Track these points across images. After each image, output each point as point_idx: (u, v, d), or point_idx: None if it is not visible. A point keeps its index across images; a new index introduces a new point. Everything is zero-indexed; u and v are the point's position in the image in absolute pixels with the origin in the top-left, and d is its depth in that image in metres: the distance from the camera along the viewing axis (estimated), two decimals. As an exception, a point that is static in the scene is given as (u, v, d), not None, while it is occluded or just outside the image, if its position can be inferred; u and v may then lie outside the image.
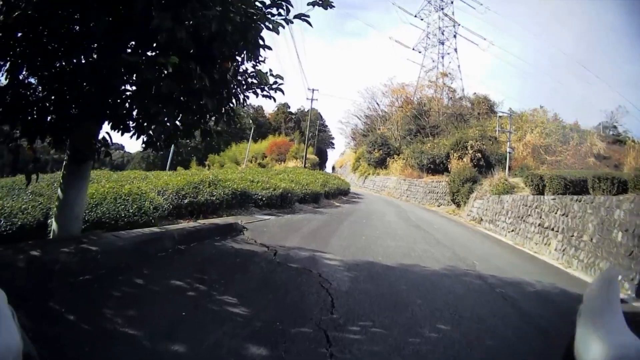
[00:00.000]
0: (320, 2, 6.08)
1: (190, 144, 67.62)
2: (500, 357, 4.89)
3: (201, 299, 5.19)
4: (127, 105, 5.98)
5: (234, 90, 6.65)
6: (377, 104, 66.30)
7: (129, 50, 5.58)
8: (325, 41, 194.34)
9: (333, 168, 79.61)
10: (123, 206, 8.61)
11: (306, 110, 71.93)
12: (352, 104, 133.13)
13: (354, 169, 59.99)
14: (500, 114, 38.67)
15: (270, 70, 6.81)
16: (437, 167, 38.48)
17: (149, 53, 5.68)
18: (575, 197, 14.11)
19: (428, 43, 65.68)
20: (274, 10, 5.91)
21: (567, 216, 13.93)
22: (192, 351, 3.79)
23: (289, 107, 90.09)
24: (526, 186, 21.40)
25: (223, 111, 6.75)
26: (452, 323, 5.49)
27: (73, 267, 5.14)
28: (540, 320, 6.27)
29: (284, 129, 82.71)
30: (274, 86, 6.91)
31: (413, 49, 67.60)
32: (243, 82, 6.83)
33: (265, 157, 63.22)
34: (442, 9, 64.31)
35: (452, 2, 63.72)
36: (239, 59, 6.53)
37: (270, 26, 5.73)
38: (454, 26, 64.42)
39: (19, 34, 5.18)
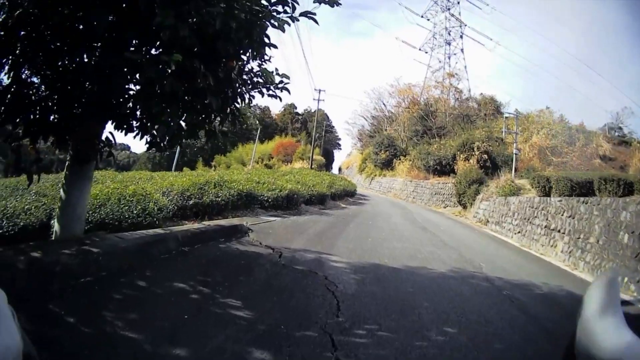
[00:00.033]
0: (327, -1, 6.01)
1: (197, 144, 67.70)
2: (507, 361, 4.83)
3: (204, 302, 5.10)
4: (130, 104, 5.92)
5: (239, 90, 6.56)
6: (384, 104, 66.24)
7: (132, 49, 5.49)
8: (332, 41, 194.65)
9: (339, 169, 79.71)
10: (127, 207, 8.53)
11: (313, 110, 71.94)
12: (359, 105, 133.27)
13: (361, 170, 59.95)
14: (507, 115, 38.61)
15: (276, 69, 6.73)
16: (443, 169, 38.37)
17: (152, 51, 5.61)
18: (581, 198, 14.08)
19: (434, 43, 65.70)
20: (280, 8, 5.83)
21: (573, 218, 13.90)
22: (194, 355, 3.71)
23: (296, 108, 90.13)
24: (532, 188, 21.29)
25: (228, 111, 6.66)
26: (459, 326, 5.42)
27: (74, 269, 5.07)
28: (547, 322, 6.21)
29: (290, 129, 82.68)
30: (279, 85, 6.82)
31: (420, 50, 67.69)
32: (248, 81, 6.75)
33: (272, 158, 63.26)
34: (449, 9, 64.37)
35: (458, 3, 63.77)
36: (244, 57, 6.47)
37: (276, 24, 5.66)
38: (460, 26, 64.45)
39: (22, 33, 5.13)
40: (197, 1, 4.94)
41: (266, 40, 5.98)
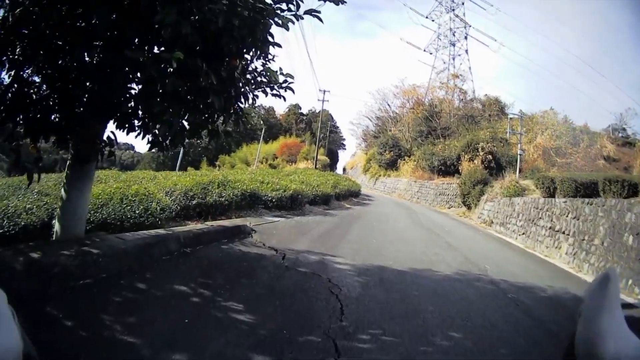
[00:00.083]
0: (332, -3, 5.93)
1: (201, 144, 67.78)
2: (513, 366, 4.78)
3: (205, 305, 5.02)
4: (131, 103, 5.84)
5: (242, 89, 6.47)
6: (389, 105, 66.29)
7: (133, 47, 5.41)
8: (336, 42, 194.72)
9: (344, 169, 79.71)
10: (129, 207, 8.47)
11: (317, 111, 71.86)
12: (364, 105, 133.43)
13: (365, 171, 59.97)
14: (511, 116, 38.52)
15: (280, 68, 6.65)
16: (448, 169, 38.33)
17: (154, 50, 5.53)
18: (586, 200, 14.04)
19: (439, 44, 65.66)
20: (284, 6, 5.76)
21: (578, 219, 13.85)
22: (193, 361, 3.62)
23: (300, 108, 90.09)
24: (537, 189, 21.26)
25: (231, 111, 6.57)
26: (464, 330, 5.34)
27: (73, 271, 5.00)
28: (552, 325, 6.15)
29: (295, 130, 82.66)
30: (284, 85, 6.74)
31: (424, 50, 67.69)
32: (252, 81, 6.66)
33: (276, 158, 63.23)
34: (453, 10, 64.25)
35: (463, 4, 63.66)
36: (248, 57, 6.39)
37: (280, 22, 5.57)
38: (464, 27, 64.32)
39: (22, 31, 5.07)
40: (199, -2, 4.87)
41: (270, 38, 5.89)
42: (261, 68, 6.68)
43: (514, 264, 12.24)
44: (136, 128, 6.15)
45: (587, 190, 16.99)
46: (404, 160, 48.00)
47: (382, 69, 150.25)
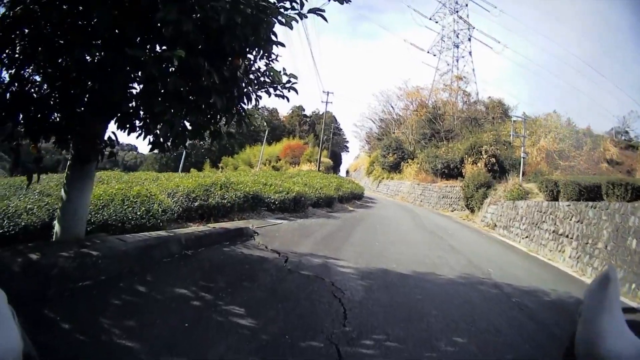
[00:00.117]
0: (337, -5, 5.87)
1: (204, 145, 67.87)
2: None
3: (206, 309, 4.94)
4: (133, 103, 5.77)
5: (245, 89, 6.40)
6: (392, 107, 66.38)
7: (134, 46, 5.34)
8: (340, 43, 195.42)
9: (347, 172, 79.78)
10: (130, 208, 8.40)
11: (321, 113, 71.99)
12: (367, 107, 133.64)
13: (368, 173, 60.07)
14: (515, 119, 38.52)
15: (284, 69, 6.58)
16: (451, 172, 38.41)
17: (155, 48, 5.46)
18: (590, 203, 14.03)
19: (443, 46, 65.76)
20: (287, 4, 5.68)
21: (581, 223, 13.84)
22: (193, 367, 3.55)
23: (304, 110, 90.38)
24: (540, 192, 21.29)
25: (234, 111, 6.49)
26: (468, 335, 5.31)
27: (72, 272, 4.94)
28: (556, 330, 6.08)
29: (298, 131, 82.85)
30: (287, 85, 6.67)
31: (428, 52, 67.84)
32: (255, 81, 6.59)
33: (279, 160, 63.39)
34: (457, 11, 64.37)
35: (466, 5, 63.76)
36: (251, 56, 6.32)
37: (283, 20, 5.51)
38: (468, 29, 64.41)
39: (23, 29, 5.01)
40: (201, -5, 4.80)
41: (273, 37, 5.83)
42: (264, 68, 6.62)
43: (517, 268, 12.23)
44: (137, 128, 6.09)
45: (590, 193, 17.02)
46: (407, 162, 48.13)
47: (385, 71, 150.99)
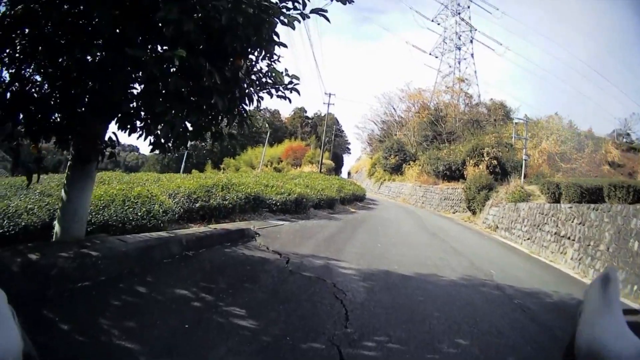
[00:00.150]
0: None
1: (206, 147, 67.94)
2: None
3: (206, 311, 4.91)
4: (133, 103, 5.74)
5: (247, 90, 6.37)
6: (394, 109, 66.30)
7: (135, 46, 5.32)
8: (342, 45, 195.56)
9: (349, 173, 79.80)
10: (131, 209, 8.38)
11: (323, 114, 71.98)
12: (369, 109, 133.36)
13: (370, 175, 60.09)
14: (516, 121, 38.47)
15: (286, 69, 6.58)
16: (453, 174, 38.37)
17: (156, 48, 5.44)
18: (592, 205, 14.02)
19: (445, 48, 65.76)
20: (290, 4, 5.65)
21: (583, 225, 13.82)
22: (193, 369, 3.53)
23: (306, 112, 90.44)
24: (542, 194, 21.25)
25: (235, 112, 6.47)
26: (470, 337, 5.27)
27: (71, 273, 4.92)
28: (559, 332, 6.05)
29: (300, 133, 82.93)
30: (289, 86, 6.65)
31: (430, 54, 67.89)
32: (257, 82, 6.57)
33: (281, 161, 63.44)
34: (459, 13, 64.33)
35: (468, 7, 63.73)
36: (253, 57, 6.30)
37: (285, 20, 5.47)
38: (470, 31, 64.39)
39: (23, 29, 5.00)
40: (202, -6, 4.77)
41: (275, 38, 5.79)
42: (266, 69, 6.61)
43: (519, 269, 12.21)
44: (138, 129, 6.06)
45: (592, 195, 17.00)
46: (409, 164, 48.16)
47: (387, 72, 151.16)
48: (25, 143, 5.59)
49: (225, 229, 10.28)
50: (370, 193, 45.48)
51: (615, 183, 16.29)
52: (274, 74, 6.48)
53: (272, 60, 6.53)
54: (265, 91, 6.70)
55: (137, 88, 5.72)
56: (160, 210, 8.95)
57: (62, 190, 6.28)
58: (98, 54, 5.14)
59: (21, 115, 5.30)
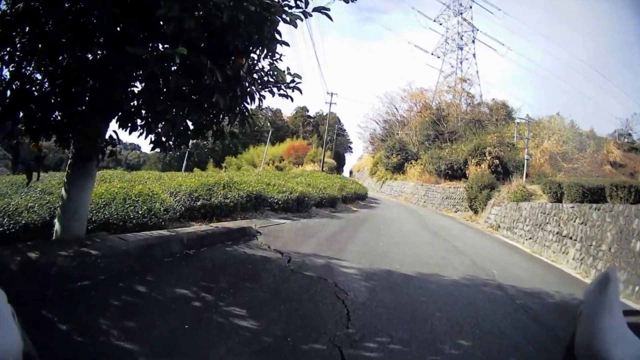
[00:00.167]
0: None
1: (207, 145, 67.97)
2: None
3: (207, 310, 4.88)
4: (134, 102, 5.71)
5: (248, 89, 6.34)
6: (396, 108, 66.32)
7: (136, 43, 5.30)
8: (344, 45, 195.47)
9: (350, 172, 79.76)
10: (132, 207, 8.37)
11: (325, 113, 72.12)
12: (371, 108, 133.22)
13: (372, 174, 60.10)
14: (518, 121, 38.51)
15: (288, 68, 6.56)
16: (454, 173, 38.36)
17: (157, 47, 5.41)
18: (594, 205, 13.98)
19: (447, 48, 65.65)
20: (292, 2, 5.63)
21: (585, 225, 13.79)
22: (192, 370, 3.50)
23: (308, 111, 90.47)
24: (544, 193, 21.22)
25: (237, 111, 6.44)
26: (473, 338, 5.24)
27: (71, 272, 4.87)
28: (561, 332, 6.00)
29: (302, 132, 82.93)
30: (291, 85, 6.64)
31: (432, 54, 67.77)
32: (258, 80, 6.54)
33: (283, 160, 63.41)
34: (461, 13, 64.21)
35: (470, 7, 63.60)
36: (254, 55, 6.28)
37: (288, 19, 5.44)
38: (472, 31, 64.29)
39: (24, 27, 4.97)
40: (203, -8, 4.74)
41: (277, 36, 5.75)
42: (268, 67, 6.59)
43: (521, 269, 12.20)
44: (139, 127, 6.02)
45: (594, 195, 16.99)
46: (411, 163, 48.14)
47: (389, 72, 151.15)
48: (26, 141, 5.56)
49: (227, 227, 10.26)
50: (372, 192, 45.49)
51: (617, 183, 16.29)
52: (275, 73, 6.46)
53: (274, 58, 6.51)
54: (267, 90, 6.69)
55: (138, 86, 5.68)
56: (162, 209, 8.93)
57: (63, 189, 6.25)
58: (98, 52, 5.11)
59: (21, 114, 5.27)
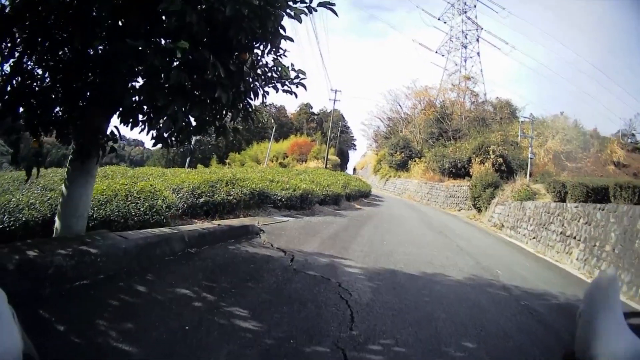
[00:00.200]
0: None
1: (211, 141, 68.02)
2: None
3: (208, 311, 4.78)
4: (135, 97, 5.63)
5: (252, 84, 6.26)
6: (400, 106, 66.44)
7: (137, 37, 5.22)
8: (349, 42, 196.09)
9: (354, 169, 79.99)
10: (134, 204, 8.30)
11: (329, 111, 72.14)
12: (375, 106, 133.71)
13: (375, 171, 60.21)
14: (522, 120, 38.42)
15: (292, 64, 6.49)
16: (458, 172, 38.39)
17: (159, 41, 5.32)
18: (598, 205, 13.95)
19: (451, 46, 65.88)
20: None
21: (589, 225, 13.77)
22: (192, 373, 3.41)
23: (312, 108, 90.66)
24: (548, 193, 21.23)
25: (240, 107, 6.36)
26: (477, 340, 5.19)
27: (69, 271, 4.77)
28: (566, 334, 5.98)
29: (305, 129, 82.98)
30: (295, 81, 6.56)
31: (436, 52, 68.01)
32: (262, 76, 6.46)
33: (287, 157, 63.52)
34: (465, 12, 64.35)
35: (475, 6, 63.76)
36: (258, 50, 6.20)
37: (292, 13, 5.35)
38: (476, 30, 64.42)
39: (24, 21, 4.89)
40: (206, -15, 4.65)
41: (281, 31, 5.66)
42: (272, 63, 6.51)
43: (525, 269, 12.16)
44: (140, 123, 5.93)
45: (598, 195, 17.02)
46: (415, 161, 48.29)
47: (393, 70, 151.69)
48: (27, 137, 5.49)
49: (229, 225, 10.15)
50: (375, 189, 45.55)
51: (622, 183, 16.33)
52: (279, 68, 6.39)
53: (278, 54, 6.44)
54: (270, 85, 6.61)
55: (139, 81, 5.60)
56: (164, 206, 8.87)
57: (63, 186, 6.17)
58: (99, 46, 5.04)
59: (21, 109, 5.20)
